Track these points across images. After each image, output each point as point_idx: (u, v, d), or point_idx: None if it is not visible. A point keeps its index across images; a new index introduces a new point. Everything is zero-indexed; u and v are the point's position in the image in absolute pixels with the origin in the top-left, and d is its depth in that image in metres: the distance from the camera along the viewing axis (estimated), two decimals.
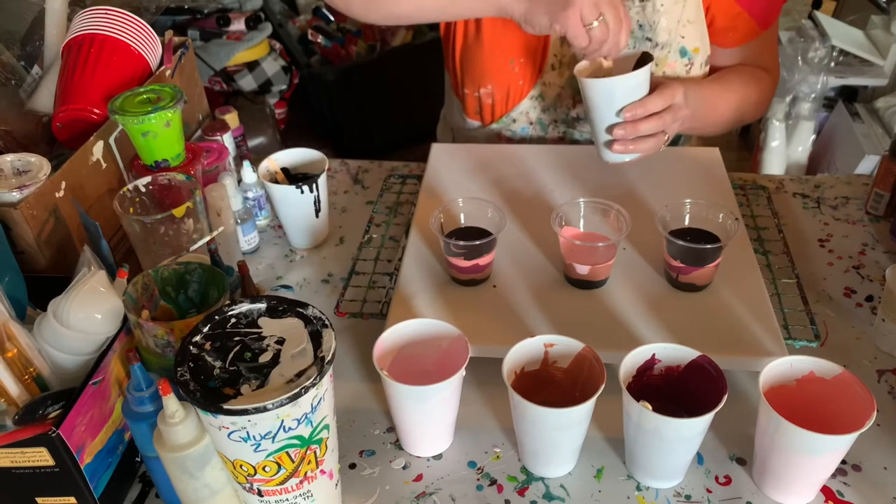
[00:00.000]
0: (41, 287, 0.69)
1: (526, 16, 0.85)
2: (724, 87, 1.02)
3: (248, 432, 0.50)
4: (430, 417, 0.67)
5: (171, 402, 0.55)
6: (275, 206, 0.94)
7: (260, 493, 0.56)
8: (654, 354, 0.66)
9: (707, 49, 1.03)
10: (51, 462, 0.57)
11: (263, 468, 0.53)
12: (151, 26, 0.98)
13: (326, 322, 0.55)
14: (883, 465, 0.68)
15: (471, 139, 1.15)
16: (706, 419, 0.60)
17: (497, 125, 1.11)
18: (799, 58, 2.19)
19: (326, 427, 0.55)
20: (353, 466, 0.69)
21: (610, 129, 0.87)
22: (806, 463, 0.61)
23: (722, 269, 0.81)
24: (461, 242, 0.79)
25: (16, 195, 0.75)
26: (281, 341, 0.54)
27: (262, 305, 0.57)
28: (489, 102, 1.08)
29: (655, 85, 0.90)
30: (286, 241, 0.98)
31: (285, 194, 0.90)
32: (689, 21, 1.00)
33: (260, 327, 0.55)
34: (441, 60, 1.15)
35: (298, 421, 0.52)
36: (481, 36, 1.03)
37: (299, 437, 0.53)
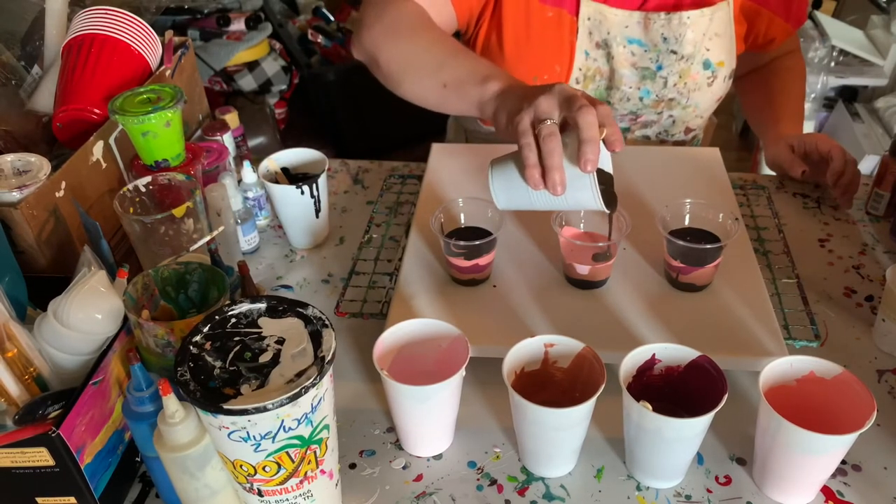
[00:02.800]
0: (41, 287, 0.69)
1: (494, 115, 0.79)
2: (799, 98, 1.15)
3: (248, 432, 0.50)
4: (430, 417, 0.67)
5: (171, 402, 0.55)
6: (275, 206, 0.94)
7: (260, 493, 0.56)
8: (654, 354, 0.66)
9: (732, 63, 1.05)
10: (51, 462, 0.57)
11: (263, 468, 0.53)
12: (151, 26, 0.98)
13: (326, 322, 0.55)
14: (883, 465, 0.68)
15: (487, 142, 1.14)
16: (706, 419, 0.60)
17: None
18: None
19: (326, 427, 0.55)
20: (353, 466, 0.69)
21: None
22: (806, 463, 0.61)
23: (722, 269, 0.81)
24: (461, 242, 0.79)
25: (16, 195, 0.75)
26: (281, 341, 0.54)
27: (262, 305, 0.57)
28: None
29: (823, 155, 1.00)
30: (286, 241, 0.98)
31: (285, 194, 0.90)
32: (716, 34, 1.01)
33: (260, 327, 0.55)
34: None
35: (298, 421, 0.52)
36: (504, 51, 1.01)
37: (299, 437, 0.53)
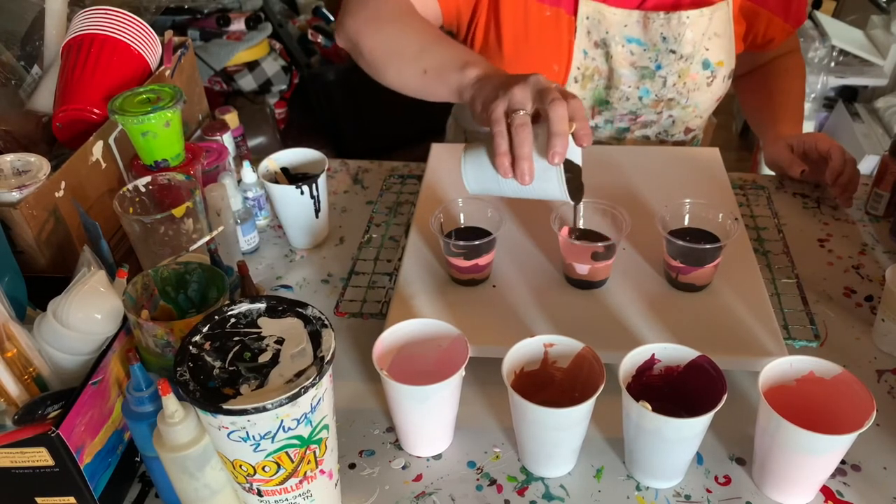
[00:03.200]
0: (41, 287, 0.69)
1: (471, 101, 0.79)
2: (799, 98, 1.15)
3: (247, 432, 0.50)
4: (429, 417, 0.67)
5: (170, 402, 0.55)
6: (275, 206, 0.94)
7: (259, 493, 0.56)
8: (653, 354, 0.66)
9: (732, 63, 1.05)
10: (50, 462, 0.57)
11: (263, 468, 0.53)
12: (151, 26, 0.98)
13: (326, 322, 0.55)
14: (883, 465, 0.68)
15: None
16: (706, 419, 0.60)
17: None
18: None
19: (326, 427, 0.55)
20: (352, 466, 0.69)
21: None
22: (805, 463, 0.61)
23: (722, 269, 0.81)
24: (461, 242, 0.79)
25: (16, 195, 0.75)
26: (280, 341, 0.54)
27: (262, 305, 0.57)
28: None
29: (822, 153, 1.00)
30: (286, 241, 0.98)
31: (285, 194, 0.90)
32: (716, 34, 1.01)
33: (259, 327, 0.55)
34: None
35: (298, 421, 0.52)
36: (503, 50, 1.01)
37: (299, 437, 0.53)
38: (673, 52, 1.00)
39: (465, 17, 1.03)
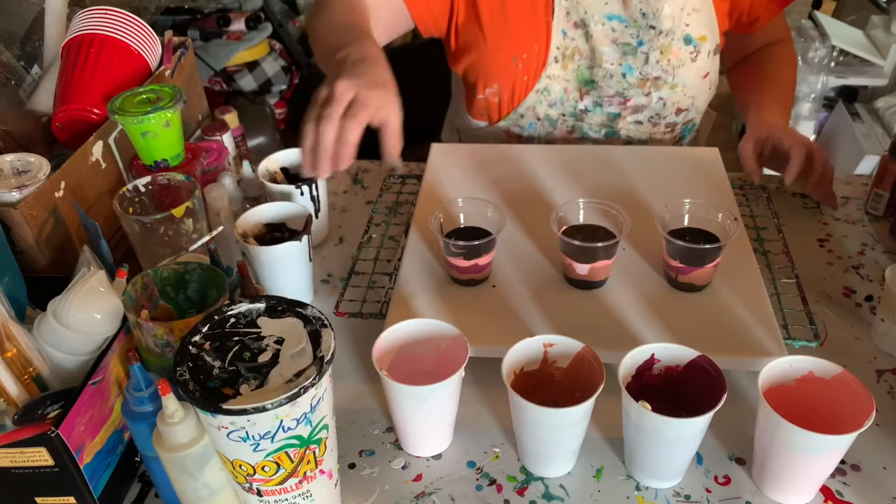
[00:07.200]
0: (41, 287, 0.69)
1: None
2: (787, 86, 1.11)
3: (247, 432, 0.51)
4: (429, 417, 0.67)
5: (170, 402, 0.55)
6: None
7: (259, 493, 0.56)
8: (653, 354, 0.66)
9: (716, 38, 1.06)
10: (50, 462, 0.57)
11: (262, 468, 0.53)
12: (151, 26, 0.98)
13: (326, 322, 0.55)
14: (882, 465, 0.68)
15: (478, 139, 1.15)
16: (705, 419, 0.60)
17: (505, 122, 1.11)
18: (799, 58, 2.19)
19: (325, 427, 0.55)
20: (352, 466, 0.69)
21: None
22: (805, 463, 0.61)
23: (721, 269, 0.81)
24: (461, 242, 0.79)
25: (15, 195, 0.75)
26: (280, 341, 0.54)
27: (262, 305, 0.57)
28: (496, 101, 1.09)
29: (784, 148, 0.96)
30: None
31: (285, 194, 0.90)
32: (695, 9, 1.02)
33: (259, 327, 0.55)
34: (441, 61, 1.15)
35: (297, 421, 0.52)
36: (484, 33, 1.03)
37: (298, 437, 0.53)
38: (653, 27, 1.01)
39: (444, 16, 1.04)
